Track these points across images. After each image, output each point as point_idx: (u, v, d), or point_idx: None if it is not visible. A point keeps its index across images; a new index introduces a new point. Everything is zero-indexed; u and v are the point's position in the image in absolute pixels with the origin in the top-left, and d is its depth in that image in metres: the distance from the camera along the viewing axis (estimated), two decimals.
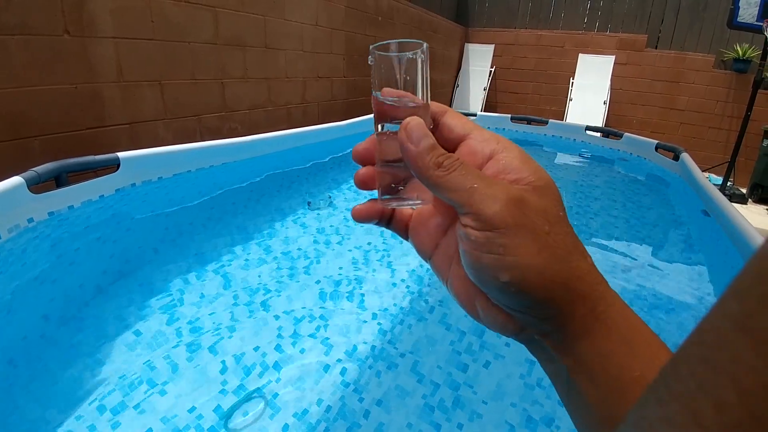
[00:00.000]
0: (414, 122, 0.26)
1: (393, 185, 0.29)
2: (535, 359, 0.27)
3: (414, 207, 0.30)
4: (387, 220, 0.31)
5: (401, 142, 0.26)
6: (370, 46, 0.28)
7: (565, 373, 0.24)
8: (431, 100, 0.29)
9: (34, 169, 1.27)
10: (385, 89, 0.28)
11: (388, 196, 0.29)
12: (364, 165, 0.30)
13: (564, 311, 0.23)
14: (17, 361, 1.08)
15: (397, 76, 0.28)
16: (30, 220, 1.26)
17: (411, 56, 0.27)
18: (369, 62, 0.28)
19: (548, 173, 0.26)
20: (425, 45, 0.27)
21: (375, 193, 0.30)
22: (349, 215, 2.14)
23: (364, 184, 0.30)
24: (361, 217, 0.30)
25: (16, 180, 1.19)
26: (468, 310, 0.27)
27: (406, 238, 0.31)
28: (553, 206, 0.24)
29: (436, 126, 0.29)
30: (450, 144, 0.28)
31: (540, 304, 0.23)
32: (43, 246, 1.32)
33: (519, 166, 0.25)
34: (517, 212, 0.23)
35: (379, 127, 0.29)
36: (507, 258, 0.23)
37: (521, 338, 0.26)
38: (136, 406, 1.01)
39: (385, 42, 0.27)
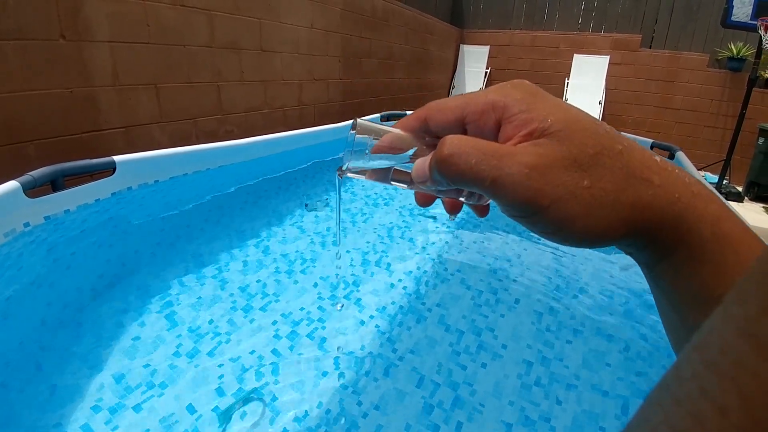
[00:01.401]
0: (414, 169, 0.26)
1: (462, 193, 0.29)
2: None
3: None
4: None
5: (425, 191, 0.27)
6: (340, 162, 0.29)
7: (652, 283, 0.25)
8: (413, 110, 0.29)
9: (30, 173, 1.27)
10: (375, 147, 0.28)
11: (470, 202, 0.29)
12: (424, 202, 0.30)
13: (640, 242, 0.23)
14: (14, 364, 1.08)
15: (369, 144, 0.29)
16: (26, 225, 1.25)
17: (370, 139, 0.28)
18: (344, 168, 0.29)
19: (570, 106, 0.23)
20: (354, 120, 0.29)
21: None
22: (346, 217, 2.14)
23: (426, 203, 0.30)
24: (452, 212, 0.30)
25: (12, 184, 1.19)
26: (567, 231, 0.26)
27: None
28: (581, 147, 0.22)
29: (424, 123, 0.28)
30: (448, 130, 0.27)
31: (614, 244, 0.23)
32: (39, 250, 1.31)
33: (527, 118, 0.23)
34: (545, 181, 0.21)
35: (405, 185, 0.29)
36: (560, 233, 0.22)
37: (620, 246, 0.25)
38: (135, 407, 1.01)
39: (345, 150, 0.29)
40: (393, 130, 0.28)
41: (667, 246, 0.22)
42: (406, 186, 0.29)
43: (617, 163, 0.22)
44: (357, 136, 0.28)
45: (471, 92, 0.26)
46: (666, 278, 0.23)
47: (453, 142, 0.23)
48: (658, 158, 0.24)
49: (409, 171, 0.27)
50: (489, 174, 0.22)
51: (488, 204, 0.29)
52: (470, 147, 0.22)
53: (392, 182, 0.29)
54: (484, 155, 0.22)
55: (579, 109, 0.24)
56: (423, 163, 0.26)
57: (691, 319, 0.22)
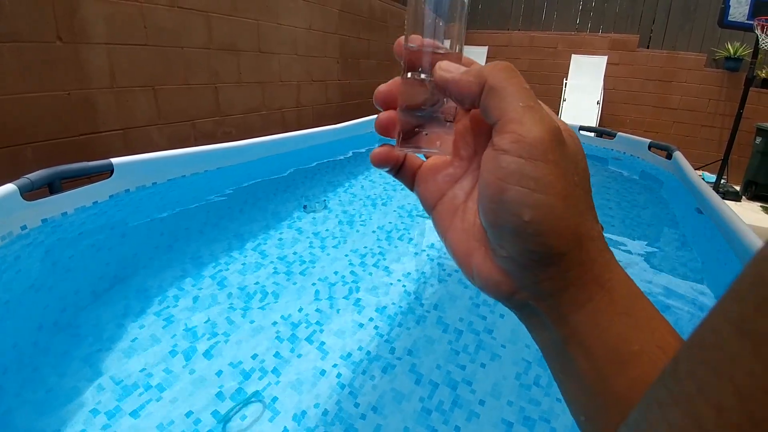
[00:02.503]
0: (445, 62, 0.25)
1: (413, 131, 0.27)
2: (527, 329, 0.26)
3: (431, 154, 0.28)
4: (397, 168, 0.30)
5: (440, 79, 0.25)
6: None
7: (559, 344, 0.23)
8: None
9: (27, 176, 1.27)
10: (415, 37, 0.26)
11: (407, 144, 0.28)
12: (385, 109, 0.29)
13: (570, 272, 0.22)
14: (11, 368, 1.07)
15: (433, 21, 0.26)
16: (23, 228, 1.25)
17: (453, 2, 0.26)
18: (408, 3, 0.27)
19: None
20: None
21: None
22: (345, 218, 2.14)
23: (384, 129, 0.28)
24: (379, 160, 0.29)
25: (9, 187, 1.19)
26: (463, 267, 0.26)
27: (412, 189, 0.30)
28: (582, 157, 0.23)
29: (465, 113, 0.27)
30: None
31: (551, 257, 0.21)
32: (36, 253, 1.31)
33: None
34: (557, 148, 0.21)
35: (408, 74, 0.27)
36: (535, 195, 0.21)
37: (513, 303, 0.24)
38: (132, 413, 1.00)
39: None
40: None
41: (588, 290, 0.22)
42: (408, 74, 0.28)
43: (589, 193, 0.23)
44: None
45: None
46: (582, 331, 0.22)
47: (510, 65, 0.24)
48: None
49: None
50: (527, 102, 0.23)
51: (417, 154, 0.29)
52: (523, 80, 0.24)
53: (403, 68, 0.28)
54: (531, 92, 0.23)
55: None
56: (458, 65, 0.25)
57: (609, 375, 0.21)
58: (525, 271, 0.22)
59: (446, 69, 0.25)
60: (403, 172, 0.30)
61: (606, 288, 0.22)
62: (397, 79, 0.28)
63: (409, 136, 0.28)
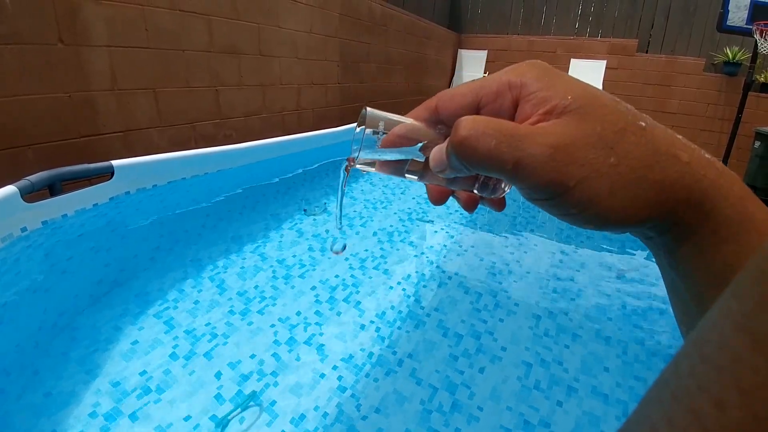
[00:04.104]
0: (431, 156, 0.25)
1: (475, 183, 0.27)
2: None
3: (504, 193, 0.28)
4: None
5: (445, 177, 0.25)
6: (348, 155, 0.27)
7: (673, 272, 0.23)
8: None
9: (27, 177, 1.27)
10: (386, 137, 0.26)
11: (484, 193, 0.28)
12: (445, 201, 0.29)
13: (664, 222, 0.22)
14: (10, 370, 1.07)
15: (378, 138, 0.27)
16: (23, 229, 1.25)
17: (378, 132, 0.26)
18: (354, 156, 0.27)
19: (587, 85, 0.22)
20: (365, 110, 0.26)
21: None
22: (345, 221, 2.14)
23: (439, 200, 0.29)
24: (469, 208, 0.28)
25: (9, 189, 1.19)
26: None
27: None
28: (605, 125, 0.21)
29: (436, 114, 0.27)
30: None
31: (638, 226, 0.22)
32: (36, 255, 1.31)
33: (545, 96, 0.22)
34: (568, 161, 0.20)
35: (415, 176, 0.28)
36: (584, 214, 0.21)
37: (637, 233, 0.25)
38: (131, 415, 1.00)
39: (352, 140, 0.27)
40: (404, 119, 0.27)
41: (692, 226, 0.21)
42: (417, 178, 0.28)
43: (642, 139, 0.21)
44: (366, 126, 0.26)
45: (484, 76, 0.25)
46: (687, 261, 0.22)
47: (469, 123, 0.21)
48: (679, 136, 0.23)
49: (422, 160, 0.26)
50: (511, 156, 0.20)
51: (504, 197, 0.28)
52: (488, 128, 0.21)
53: (406, 175, 0.28)
54: (503, 136, 0.21)
55: (596, 87, 0.23)
56: (440, 149, 0.24)
57: (710, 302, 0.22)
58: (630, 233, 0.23)
59: (437, 165, 0.24)
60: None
61: (709, 219, 0.21)
62: (421, 180, 0.28)
63: (481, 187, 0.27)
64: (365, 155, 0.27)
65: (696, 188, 0.21)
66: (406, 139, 0.26)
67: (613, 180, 0.20)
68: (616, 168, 0.20)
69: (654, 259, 0.26)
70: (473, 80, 0.25)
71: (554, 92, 0.22)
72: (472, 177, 0.26)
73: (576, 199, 0.20)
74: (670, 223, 0.22)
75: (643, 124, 0.22)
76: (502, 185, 0.27)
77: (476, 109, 0.24)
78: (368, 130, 0.26)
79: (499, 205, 0.28)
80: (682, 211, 0.21)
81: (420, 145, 0.27)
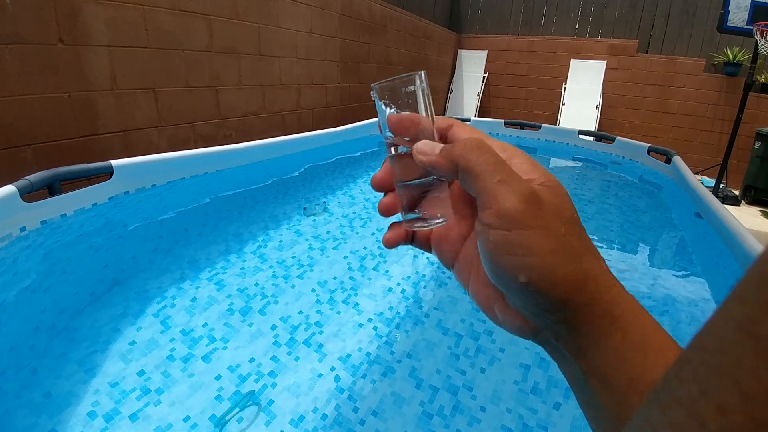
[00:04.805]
0: (421, 143, 0.28)
1: (412, 205, 0.30)
2: (553, 361, 0.28)
3: (437, 225, 0.30)
4: (410, 239, 0.32)
5: (419, 162, 0.27)
6: (372, 84, 0.29)
7: (581, 376, 0.24)
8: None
9: (26, 177, 1.27)
10: (390, 115, 0.29)
11: (411, 216, 0.30)
12: (383, 192, 0.32)
13: (579, 313, 0.23)
14: (8, 370, 1.07)
15: (403, 103, 0.29)
16: (22, 229, 1.25)
17: (410, 89, 0.28)
18: (372, 96, 0.29)
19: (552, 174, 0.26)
20: (422, 73, 0.29)
21: (388, 221, 0.32)
22: (344, 221, 2.14)
23: (387, 212, 0.31)
24: (391, 243, 0.32)
25: (8, 189, 1.19)
26: (487, 313, 0.28)
27: (429, 251, 0.32)
28: (567, 206, 0.25)
29: (444, 140, 0.30)
30: None
31: (556, 305, 0.23)
32: (35, 255, 1.31)
33: (529, 169, 0.26)
34: (536, 210, 0.23)
35: (392, 150, 0.30)
36: (525, 259, 0.23)
37: (538, 340, 0.26)
38: (131, 416, 1.00)
39: (385, 80, 0.29)
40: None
41: (603, 327, 0.23)
42: (392, 158, 0.30)
43: (582, 235, 0.25)
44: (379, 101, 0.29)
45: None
46: (601, 363, 0.23)
47: (480, 140, 0.26)
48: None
49: (406, 148, 0.29)
50: (499, 176, 0.24)
51: (431, 230, 0.31)
52: (493, 153, 0.25)
53: (388, 151, 0.30)
54: (502, 164, 0.25)
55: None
56: (433, 144, 0.27)
57: (628, 405, 0.22)
58: (539, 316, 0.24)
59: (422, 152, 0.27)
60: (417, 240, 0.32)
61: (617, 324, 0.23)
62: (386, 162, 0.31)
63: (410, 209, 0.30)
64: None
65: (609, 291, 0.24)
66: (412, 123, 0.29)
67: (558, 244, 0.23)
68: (563, 237, 0.23)
69: (567, 373, 0.26)
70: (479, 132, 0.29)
71: (537, 170, 0.26)
72: (418, 190, 0.29)
73: (523, 240, 0.23)
74: (582, 319, 0.23)
75: (583, 227, 0.25)
76: (437, 217, 0.29)
77: None
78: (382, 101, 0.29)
79: (426, 244, 0.32)
80: (596, 306, 0.23)
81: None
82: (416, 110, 0.29)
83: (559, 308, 0.23)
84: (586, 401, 0.25)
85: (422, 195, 0.29)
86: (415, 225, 0.30)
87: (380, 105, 0.29)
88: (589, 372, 0.24)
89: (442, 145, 0.27)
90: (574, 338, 0.24)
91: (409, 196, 0.30)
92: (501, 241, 0.23)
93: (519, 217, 0.23)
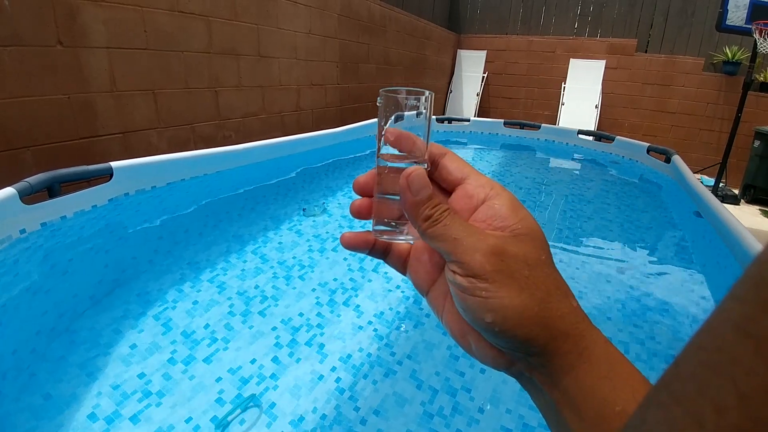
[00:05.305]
0: (416, 173, 0.28)
1: (387, 219, 0.30)
2: (527, 393, 0.28)
3: (406, 242, 0.31)
4: (382, 253, 0.33)
5: (401, 189, 0.28)
6: (381, 90, 0.29)
7: (553, 406, 0.25)
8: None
9: (26, 179, 1.27)
10: (389, 128, 0.29)
11: (381, 228, 0.30)
12: (362, 195, 0.32)
13: (547, 348, 0.25)
14: (8, 373, 1.07)
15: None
16: (22, 231, 1.25)
17: (414, 105, 0.29)
18: (377, 103, 0.30)
19: (535, 221, 0.28)
20: (431, 93, 0.29)
21: (363, 226, 0.32)
22: (344, 222, 2.14)
23: (358, 214, 0.32)
24: (349, 244, 0.32)
25: (8, 191, 1.19)
26: (461, 344, 0.29)
27: (404, 273, 0.33)
28: (534, 251, 0.26)
29: (435, 167, 0.30)
30: (448, 185, 0.30)
31: (522, 342, 0.24)
32: (35, 257, 1.31)
33: (507, 214, 0.27)
34: (497, 260, 0.25)
35: (381, 160, 0.30)
36: (489, 301, 0.24)
37: (512, 372, 0.27)
38: (131, 417, 1.00)
39: (394, 88, 0.29)
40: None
41: (570, 360, 0.24)
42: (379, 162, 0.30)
43: (552, 274, 0.26)
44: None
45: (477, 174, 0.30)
46: (571, 393, 0.24)
47: (450, 209, 0.28)
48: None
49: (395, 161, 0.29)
50: (456, 234, 0.26)
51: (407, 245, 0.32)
52: (457, 217, 0.27)
53: (378, 160, 0.30)
54: (466, 225, 0.27)
55: (539, 227, 0.28)
56: (421, 186, 0.28)
57: None
58: (510, 350, 0.26)
59: (410, 186, 0.28)
60: (391, 257, 0.33)
61: (584, 356, 0.24)
62: (374, 169, 0.31)
63: (382, 222, 0.30)
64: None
65: (577, 327, 0.25)
66: (406, 144, 0.29)
67: (522, 287, 0.24)
68: (527, 280, 0.25)
69: (541, 398, 0.27)
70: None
71: (514, 215, 0.27)
72: (397, 207, 0.30)
73: (487, 285, 0.24)
74: (551, 352, 0.25)
75: (554, 267, 0.27)
76: (407, 234, 0.30)
77: (460, 182, 0.29)
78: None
79: (402, 266, 0.33)
80: (563, 341, 0.24)
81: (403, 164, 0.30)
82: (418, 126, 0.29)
83: (526, 345, 0.25)
84: (559, 430, 0.26)
85: (398, 211, 0.30)
86: (383, 236, 0.31)
87: (383, 114, 0.29)
88: (561, 402, 0.25)
89: (430, 189, 0.27)
90: (546, 370, 0.25)
91: (385, 208, 0.30)
92: (466, 284, 0.25)
93: (482, 271, 0.24)
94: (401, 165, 0.29)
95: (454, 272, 0.26)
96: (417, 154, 0.29)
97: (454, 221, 0.26)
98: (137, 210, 1.71)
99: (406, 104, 0.29)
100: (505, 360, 0.27)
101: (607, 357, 0.25)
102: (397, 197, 0.29)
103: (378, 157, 0.30)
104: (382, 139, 0.29)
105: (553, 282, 0.26)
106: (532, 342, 0.24)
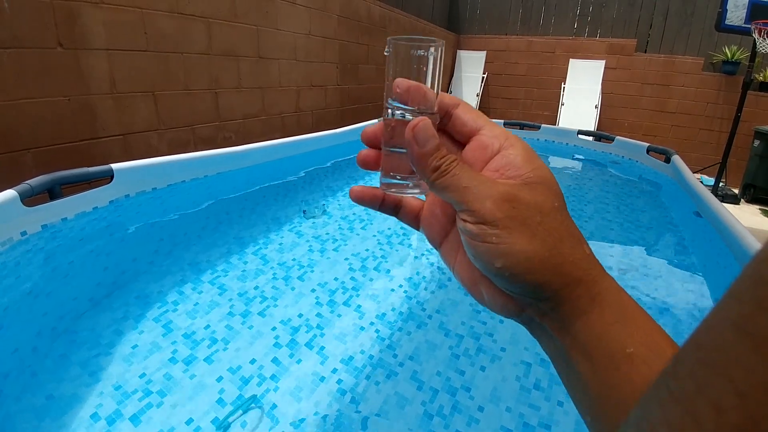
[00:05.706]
0: (422, 124, 0.27)
1: (393, 173, 0.30)
2: (537, 343, 0.28)
3: (415, 196, 0.30)
4: (393, 209, 0.32)
5: (407, 142, 0.27)
6: (389, 38, 0.29)
7: (564, 352, 0.26)
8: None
9: (27, 181, 1.27)
10: (398, 80, 0.29)
11: (389, 181, 0.30)
12: (370, 146, 0.31)
13: (559, 293, 0.25)
14: (10, 374, 1.07)
15: (413, 67, 0.29)
16: (23, 233, 1.25)
17: (423, 53, 0.28)
18: (385, 53, 0.29)
19: (549, 170, 0.27)
20: (441, 42, 0.29)
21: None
22: (344, 223, 2.14)
23: (364, 164, 0.31)
24: (357, 197, 0.31)
25: (9, 193, 1.19)
26: (473, 293, 0.29)
27: (417, 228, 0.33)
28: (547, 199, 0.26)
29: (448, 118, 0.30)
30: (462, 137, 0.29)
31: (533, 287, 0.24)
32: (36, 259, 1.31)
33: (520, 164, 0.26)
34: (508, 207, 0.25)
35: (389, 112, 0.29)
36: (499, 246, 0.24)
37: (522, 319, 0.28)
38: (132, 417, 1.00)
39: (403, 36, 0.29)
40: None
41: (582, 305, 0.24)
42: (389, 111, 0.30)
43: (564, 223, 0.26)
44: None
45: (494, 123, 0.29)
46: (582, 337, 0.24)
47: (459, 159, 0.27)
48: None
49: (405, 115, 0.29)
50: (465, 183, 0.26)
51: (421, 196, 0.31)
52: (467, 174, 0.26)
53: (387, 105, 0.30)
54: (475, 174, 0.26)
55: (552, 175, 0.28)
56: (427, 137, 0.27)
57: (607, 377, 0.23)
58: (521, 295, 0.26)
59: (416, 138, 0.27)
60: (404, 213, 0.32)
61: (597, 301, 0.25)
62: (382, 122, 0.30)
63: (389, 175, 0.30)
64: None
65: (589, 273, 0.25)
66: (418, 94, 0.28)
67: (533, 233, 0.24)
68: (539, 226, 0.25)
69: (553, 357, 0.27)
70: (486, 118, 0.29)
71: (528, 164, 0.27)
72: (405, 160, 0.29)
73: (498, 231, 0.24)
74: (563, 298, 0.25)
75: (567, 214, 0.27)
76: (416, 188, 0.30)
77: (475, 133, 0.29)
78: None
79: (415, 221, 0.32)
80: (575, 287, 0.25)
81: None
82: (424, 76, 0.28)
83: (538, 290, 0.25)
84: (569, 379, 0.26)
85: (406, 164, 0.29)
86: (391, 189, 0.30)
87: (391, 63, 0.29)
88: (571, 346, 0.25)
89: (437, 139, 0.27)
90: (556, 316, 0.25)
91: (393, 162, 0.29)
92: (476, 231, 0.25)
93: (489, 214, 0.24)
94: (408, 117, 0.28)
95: (464, 221, 0.25)
96: (427, 105, 0.28)
97: (463, 171, 0.26)
98: (138, 211, 1.72)
99: (416, 53, 0.28)
100: (516, 307, 0.27)
101: (620, 302, 0.25)
102: (404, 150, 0.28)
103: (385, 108, 0.29)
104: (391, 90, 0.29)
105: (566, 229, 0.26)
106: (544, 287, 0.24)
